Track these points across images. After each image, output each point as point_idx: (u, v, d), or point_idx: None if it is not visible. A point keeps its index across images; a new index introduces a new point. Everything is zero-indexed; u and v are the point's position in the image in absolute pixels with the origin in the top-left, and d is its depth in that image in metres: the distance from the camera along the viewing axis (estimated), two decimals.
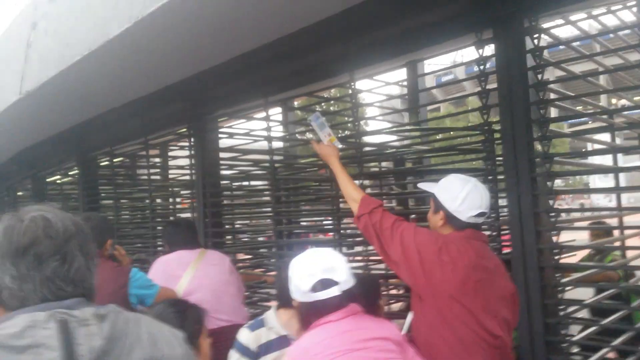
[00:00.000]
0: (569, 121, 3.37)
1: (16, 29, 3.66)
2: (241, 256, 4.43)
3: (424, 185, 2.05)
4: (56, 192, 6.83)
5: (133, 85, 3.44)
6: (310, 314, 1.65)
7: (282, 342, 2.06)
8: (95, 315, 0.94)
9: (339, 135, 4.31)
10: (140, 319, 1.02)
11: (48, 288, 0.97)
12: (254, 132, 4.32)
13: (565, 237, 2.47)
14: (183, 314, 1.67)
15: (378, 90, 4.59)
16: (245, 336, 2.06)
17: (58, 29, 3.01)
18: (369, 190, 3.73)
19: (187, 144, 4.28)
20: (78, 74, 2.92)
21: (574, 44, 2.90)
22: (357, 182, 3.65)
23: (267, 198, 4.32)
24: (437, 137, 3.93)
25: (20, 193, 8.33)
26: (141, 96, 3.67)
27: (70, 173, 6.18)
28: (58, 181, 6.83)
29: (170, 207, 5.02)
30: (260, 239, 4.77)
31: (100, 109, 3.94)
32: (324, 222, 4.94)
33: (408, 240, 1.87)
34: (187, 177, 4.48)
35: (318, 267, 1.65)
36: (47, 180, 6.92)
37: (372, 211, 2.02)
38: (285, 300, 2.12)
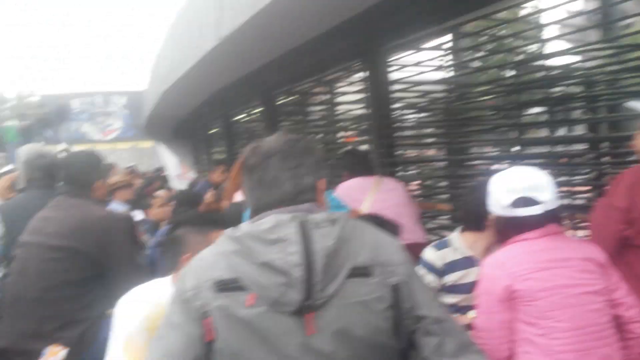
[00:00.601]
0: None
1: None
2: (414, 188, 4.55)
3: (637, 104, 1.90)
4: (242, 130, 7.62)
5: (311, 24, 3.62)
6: (508, 230, 1.68)
7: (467, 262, 2.14)
8: (328, 219, 1.10)
9: (517, 59, 4.05)
10: (365, 226, 1.17)
11: (256, 194, 1.17)
12: (426, 62, 4.28)
13: None
14: (381, 227, 1.80)
15: (562, 7, 4.15)
16: (431, 254, 2.17)
17: None
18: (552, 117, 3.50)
19: (359, 78, 4.43)
20: (266, 17, 3.17)
21: None
22: (542, 108, 3.44)
23: (438, 130, 4.31)
24: (635, 56, 3.45)
25: (212, 131, 9.46)
26: (317, 34, 3.86)
27: (254, 111, 6.82)
28: (244, 119, 7.58)
29: (339, 140, 5.28)
30: (435, 169, 4.80)
31: (282, 50, 4.23)
32: (501, 152, 4.77)
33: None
34: (360, 111, 4.66)
35: (522, 184, 1.65)
36: (235, 119, 7.73)
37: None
38: (470, 223, 2.18)
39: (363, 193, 2.91)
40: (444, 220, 4.42)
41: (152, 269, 2.96)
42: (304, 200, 1.15)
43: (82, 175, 2.26)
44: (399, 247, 1.18)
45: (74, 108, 19.79)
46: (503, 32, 4.23)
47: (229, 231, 1.14)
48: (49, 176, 2.62)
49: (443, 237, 3.29)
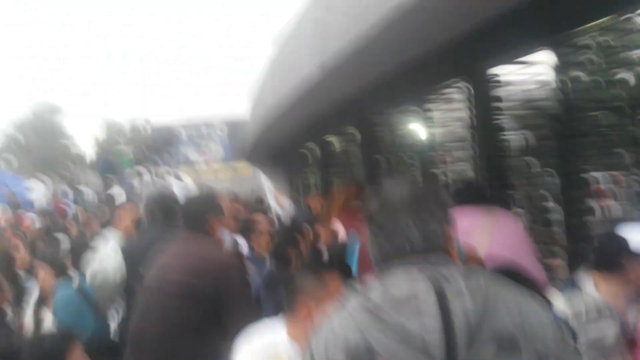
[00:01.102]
0: None
1: (311, 9, 4.13)
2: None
3: None
4: (337, 153, 7.64)
5: (412, 47, 3.56)
6: None
7: (604, 313, 1.91)
8: (465, 277, 1.00)
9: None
10: (506, 286, 1.04)
11: (381, 242, 1.10)
12: (535, 78, 4.01)
13: None
14: (516, 281, 1.58)
15: None
16: (561, 303, 1.95)
17: (350, 5, 3.28)
18: None
19: (461, 98, 4.25)
20: (368, 44, 3.16)
21: None
22: None
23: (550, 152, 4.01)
24: None
25: (306, 155, 9.59)
26: (417, 55, 3.77)
27: (349, 134, 6.80)
28: (339, 143, 7.60)
29: (439, 165, 5.06)
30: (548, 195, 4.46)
31: (380, 73, 4.19)
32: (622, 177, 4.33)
33: None
34: (462, 133, 4.46)
35: None
36: (329, 142, 7.78)
37: None
38: (604, 264, 1.95)
39: (478, 227, 2.72)
40: (556, 252, 4.07)
41: (258, 305, 2.99)
42: (432, 249, 1.07)
43: (198, 214, 2.35)
44: (547, 313, 1.05)
45: (180, 136, 21.24)
46: (618, 43, 3.85)
47: (356, 290, 1.07)
48: (168, 214, 2.75)
49: (555, 272, 3.01)
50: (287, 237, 3.39)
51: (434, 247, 1.07)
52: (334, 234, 3.31)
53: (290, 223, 4.07)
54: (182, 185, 9.64)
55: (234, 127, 19.67)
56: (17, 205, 11.72)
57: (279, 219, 6.03)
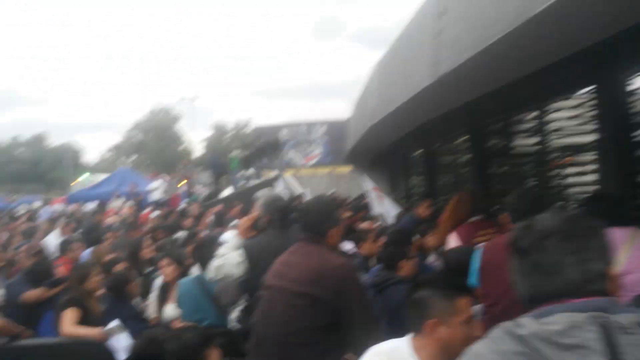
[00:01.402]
0: None
1: (424, 16, 4.03)
2: None
3: None
4: (445, 161, 7.42)
5: (536, 58, 3.34)
6: None
7: None
8: (637, 322, 0.91)
9: None
10: None
11: (532, 281, 1.02)
12: None
13: None
14: None
15: None
16: None
17: (469, 14, 3.15)
18: None
19: (589, 107, 3.93)
20: (488, 55, 3.00)
21: None
22: None
23: None
24: None
25: (412, 161, 9.44)
26: (543, 66, 3.55)
27: (459, 142, 6.58)
28: (447, 150, 7.38)
29: (560, 177, 4.70)
30: None
31: (499, 83, 4.00)
32: None
33: None
34: (589, 144, 4.11)
35: None
36: (437, 149, 7.58)
37: None
38: None
39: (616, 246, 2.47)
40: None
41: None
42: (593, 292, 0.97)
43: (318, 224, 2.39)
44: None
45: (283, 137, 21.93)
46: None
47: (508, 326, 1.00)
48: (285, 218, 2.85)
49: None
50: (396, 247, 3.34)
51: (599, 291, 0.98)
52: (449, 249, 3.19)
53: (399, 232, 3.99)
54: (289, 188, 9.94)
55: (335, 128, 19.93)
56: (142, 202, 12.80)
57: (386, 224, 5.97)
